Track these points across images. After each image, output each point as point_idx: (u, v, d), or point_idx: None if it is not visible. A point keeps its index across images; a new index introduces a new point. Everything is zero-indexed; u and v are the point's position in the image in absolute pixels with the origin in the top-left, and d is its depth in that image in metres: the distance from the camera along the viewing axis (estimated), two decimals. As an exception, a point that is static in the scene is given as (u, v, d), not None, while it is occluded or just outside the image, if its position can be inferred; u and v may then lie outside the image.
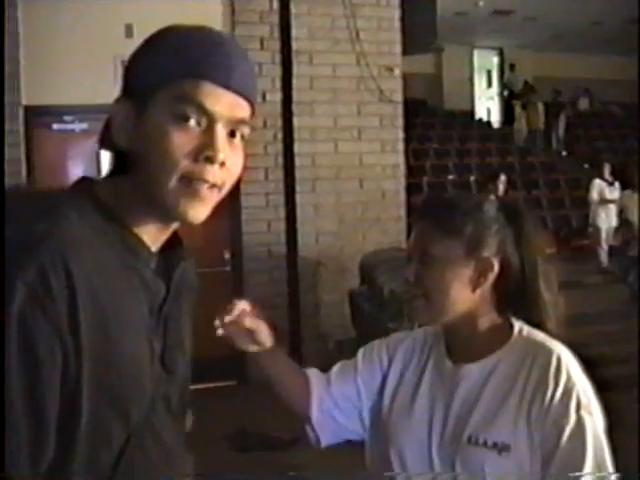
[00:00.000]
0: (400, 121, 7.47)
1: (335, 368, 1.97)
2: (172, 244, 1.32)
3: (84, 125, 6.80)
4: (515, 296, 1.77)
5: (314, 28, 7.11)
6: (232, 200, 6.91)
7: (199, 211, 1.21)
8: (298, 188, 7.13)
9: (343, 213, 7.29)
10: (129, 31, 6.54)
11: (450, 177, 14.64)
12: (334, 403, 1.91)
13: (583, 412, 1.62)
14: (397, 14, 7.39)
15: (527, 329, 1.75)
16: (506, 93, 19.39)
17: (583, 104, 20.45)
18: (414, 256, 1.74)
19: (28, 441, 1.07)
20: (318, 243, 7.23)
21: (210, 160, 1.18)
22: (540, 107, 17.58)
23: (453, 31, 15.27)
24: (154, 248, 1.27)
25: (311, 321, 7.11)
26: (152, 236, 1.26)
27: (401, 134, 7.51)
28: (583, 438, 1.60)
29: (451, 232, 1.71)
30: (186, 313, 1.38)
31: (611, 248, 11.62)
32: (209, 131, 1.19)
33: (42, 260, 1.07)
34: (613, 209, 11.60)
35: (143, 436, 1.22)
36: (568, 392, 1.63)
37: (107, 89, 6.50)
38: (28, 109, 6.48)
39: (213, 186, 1.20)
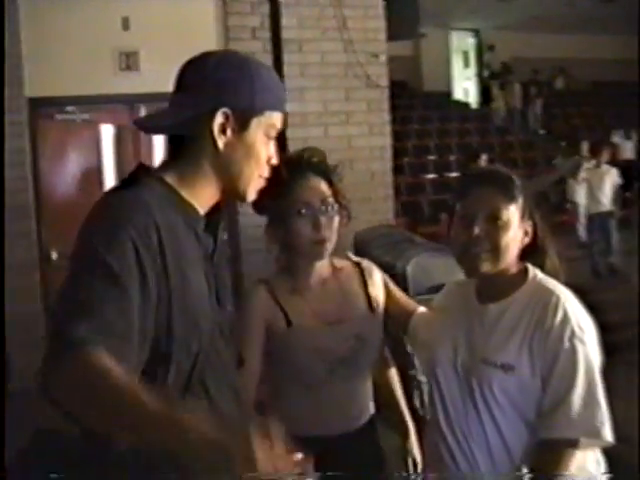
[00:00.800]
0: (386, 105, 7.74)
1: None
2: (214, 210, 1.79)
3: (85, 115, 7.03)
4: (531, 251, 2.19)
5: (303, 17, 7.35)
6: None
7: (254, 192, 1.81)
8: (291, 171, 7.38)
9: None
10: (125, 24, 6.79)
11: (430, 157, 14.95)
12: None
13: (576, 341, 2.00)
14: (381, 2, 7.64)
15: (540, 276, 2.17)
16: (486, 74, 19.61)
17: (559, 83, 20.80)
18: (478, 218, 2.10)
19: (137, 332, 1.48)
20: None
21: (272, 164, 1.80)
22: (517, 87, 17.88)
23: (431, 14, 15.47)
24: (202, 212, 1.74)
25: (306, 297, 7.34)
26: (204, 205, 1.75)
27: (387, 117, 7.78)
28: (575, 360, 1.98)
29: (512, 200, 2.12)
30: (227, 261, 1.87)
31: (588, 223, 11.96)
32: (272, 144, 1.79)
33: (140, 221, 1.54)
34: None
35: (209, 352, 1.65)
36: (563, 325, 2.01)
37: (105, 80, 6.81)
38: (31, 101, 6.69)
39: (261, 177, 1.80)
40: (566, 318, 2.02)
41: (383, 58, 7.65)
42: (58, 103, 6.89)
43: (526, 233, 2.16)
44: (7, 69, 6.22)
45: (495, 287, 2.16)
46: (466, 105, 19.77)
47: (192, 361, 1.61)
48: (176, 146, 1.74)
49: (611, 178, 10.58)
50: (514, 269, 2.17)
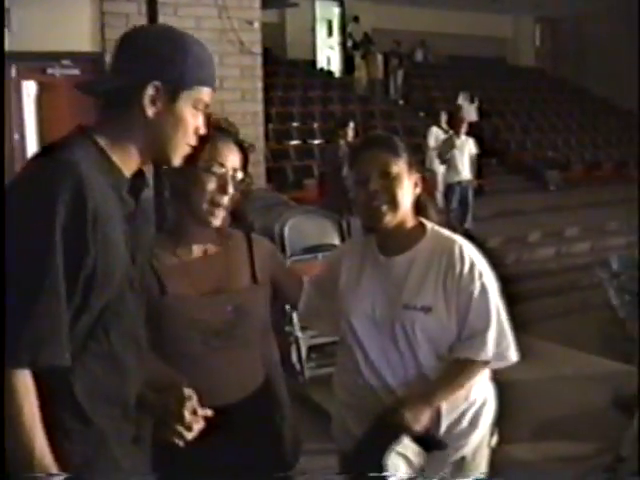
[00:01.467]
0: (259, 71, 7.93)
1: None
2: (139, 173, 1.90)
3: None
4: (419, 204, 2.48)
5: (179, -19, 7.43)
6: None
7: (180, 159, 1.92)
8: (164, 135, 7.46)
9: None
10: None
11: (294, 124, 15.14)
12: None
13: (484, 279, 2.37)
14: (255, -31, 7.81)
15: (436, 228, 2.47)
16: (350, 44, 19.86)
17: (419, 56, 21.40)
18: (372, 175, 2.35)
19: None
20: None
21: (199, 134, 1.91)
22: (379, 58, 18.24)
23: (297, -18, 15.60)
24: (128, 175, 1.85)
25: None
26: (130, 168, 1.85)
27: (260, 84, 7.98)
28: (487, 296, 2.35)
29: (398, 155, 2.39)
30: (147, 222, 2.02)
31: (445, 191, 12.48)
32: (200, 116, 1.89)
33: (68, 185, 1.64)
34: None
35: (117, 304, 1.78)
36: (471, 267, 2.36)
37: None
38: None
39: (189, 146, 1.94)
40: (472, 261, 2.36)
41: (257, 25, 7.83)
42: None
43: (416, 185, 2.43)
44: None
45: (397, 240, 2.42)
46: (329, 74, 19.99)
47: (99, 311, 1.73)
48: (110, 109, 1.83)
49: (469, 148, 11.10)
50: (411, 223, 2.43)
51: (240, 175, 2.32)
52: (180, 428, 1.91)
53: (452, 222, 10.85)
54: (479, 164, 11.49)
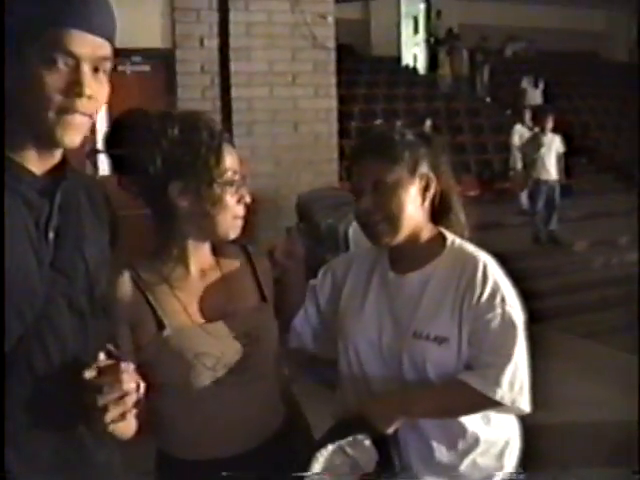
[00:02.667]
0: (332, 67, 7.70)
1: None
2: (58, 169, 1.54)
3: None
4: (440, 209, 2.13)
5: (250, -25, 7.26)
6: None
7: (74, 137, 1.47)
8: (235, 131, 7.30)
9: (278, 155, 7.51)
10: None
11: (378, 122, 14.91)
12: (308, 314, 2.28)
13: (508, 308, 1.99)
14: (329, -38, 7.59)
15: (458, 241, 2.11)
16: (432, 40, 19.58)
17: (508, 51, 20.88)
18: (365, 188, 2.02)
19: None
20: (255, 184, 7.37)
21: (79, 95, 1.43)
22: (464, 54, 17.89)
23: (381, -23, 15.43)
24: (39, 172, 1.50)
25: (249, 259, 7.31)
26: (36, 162, 1.50)
27: (334, 79, 7.74)
28: (507, 328, 1.97)
29: (394, 160, 2.03)
30: (92, 226, 1.63)
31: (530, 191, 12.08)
32: (76, 70, 1.43)
33: None
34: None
35: (42, 329, 1.48)
36: (493, 291, 1.98)
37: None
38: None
39: (83, 115, 1.47)
40: (496, 284, 2.01)
41: (330, 19, 7.60)
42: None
43: (426, 188, 2.07)
44: None
45: (411, 255, 2.09)
46: (414, 71, 19.73)
47: (12, 344, 1.44)
48: None
49: (556, 146, 10.66)
50: (427, 234, 2.10)
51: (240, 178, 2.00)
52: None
53: (537, 224, 10.46)
54: (567, 163, 10.99)
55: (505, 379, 1.94)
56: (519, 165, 11.67)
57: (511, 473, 2.12)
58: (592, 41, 21.96)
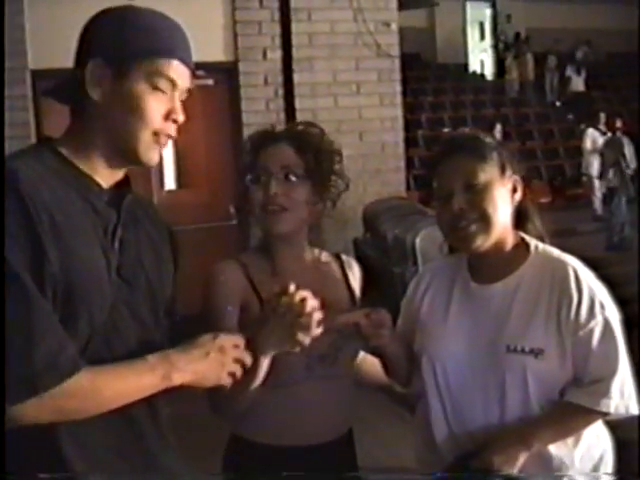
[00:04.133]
0: (397, 75, 7.61)
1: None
2: (122, 184, 1.65)
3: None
4: (518, 216, 2.03)
5: (312, -15, 7.22)
6: (236, 157, 7.09)
7: (156, 157, 1.61)
8: (300, 143, 7.30)
9: (344, 166, 7.45)
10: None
11: (445, 130, 14.78)
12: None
13: (607, 313, 1.90)
14: (393, -31, 7.51)
15: (542, 246, 2.02)
16: (501, 45, 19.36)
17: (579, 54, 20.48)
18: (456, 188, 1.94)
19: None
20: (321, 196, 7.38)
21: (175, 121, 1.60)
22: (530, 58, 17.63)
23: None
24: (106, 185, 1.60)
25: (317, 272, 7.25)
26: (105, 176, 1.60)
27: (399, 88, 7.65)
28: (611, 334, 1.90)
29: (485, 159, 1.96)
30: (149, 240, 1.70)
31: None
32: (173, 98, 1.59)
33: (10, 195, 1.40)
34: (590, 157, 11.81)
35: (108, 334, 1.53)
36: (591, 298, 1.90)
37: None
38: (35, 73, 6.59)
39: (169, 138, 1.61)
40: (592, 290, 1.92)
41: (394, 27, 7.53)
42: (61, 75, 6.79)
43: (514, 190, 2.00)
44: (9, 41, 6.11)
45: (493, 264, 2.00)
46: (481, 77, 19.55)
47: (82, 344, 1.48)
48: (72, 113, 1.62)
49: (628, 149, 10.40)
50: (511, 240, 2.01)
51: (297, 177, 2.06)
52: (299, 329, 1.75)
53: (612, 229, 10.19)
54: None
55: (615, 389, 1.89)
56: (591, 170, 11.45)
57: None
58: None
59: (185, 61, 1.61)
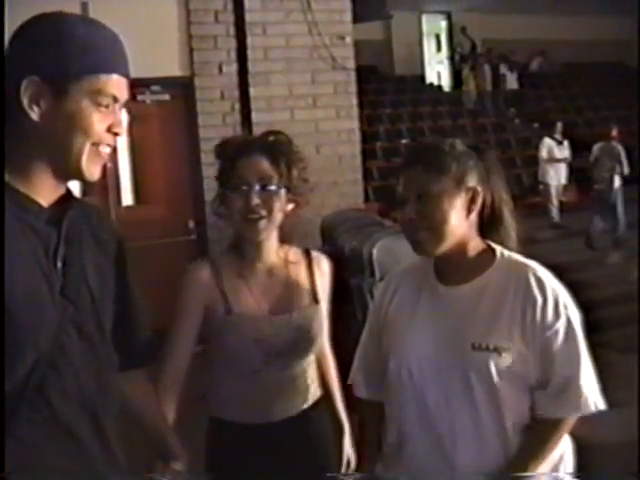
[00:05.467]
0: (353, 87, 7.67)
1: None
2: (64, 199, 1.61)
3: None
4: (489, 222, 2.10)
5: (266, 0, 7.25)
6: (193, 171, 7.09)
7: (98, 170, 1.59)
8: (257, 156, 7.31)
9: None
10: (85, 9, 6.65)
11: (404, 141, 14.86)
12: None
13: (570, 313, 2.00)
14: (346, -17, 7.57)
15: (507, 253, 2.09)
16: (457, 57, 19.51)
17: (534, 65, 20.74)
18: (409, 198, 2.00)
19: None
20: (279, 208, 7.40)
21: (117, 134, 1.59)
22: (487, 69, 17.81)
23: (400, -3, 15.40)
24: (46, 203, 1.57)
25: (275, 284, 7.24)
26: (44, 194, 1.57)
27: (355, 100, 7.71)
28: (574, 333, 1.99)
29: (441, 171, 2.00)
30: (92, 256, 1.67)
31: (561, 204, 12.04)
32: (115, 112, 1.58)
33: None
34: (562, 167, 12.00)
35: (54, 355, 1.50)
36: (555, 299, 1.98)
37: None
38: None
39: (110, 147, 1.60)
40: (555, 292, 2.00)
41: (349, 40, 7.59)
42: None
43: (472, 200, 2.04)
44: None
45: (459, 268, 2.06)
46: (439, 88, 19.67)
47: (28, 368, 1.46)
48: (8, 133, 1.54)
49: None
50: (474, 246, 2.07)
51: (274, 187, 2.30)
52: None
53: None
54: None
55: (586, 387, 1.99)
56: (547, 178, 11.64)
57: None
58: (618, 50, 21.76)
59: (125, 74, 1.60)
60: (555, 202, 11.89)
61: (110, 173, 7.15)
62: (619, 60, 21.84)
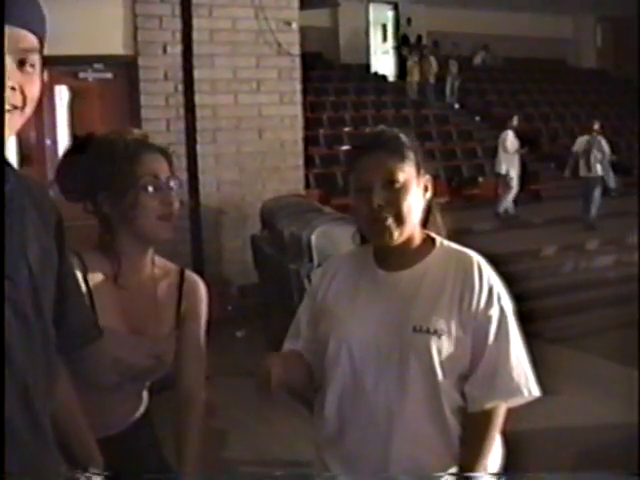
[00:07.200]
0: (298, 73, 7.68)
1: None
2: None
3: None
4: (427, 214, 2.14)
5: (213, -18, 7.22)
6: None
7: (7, 127, 1.44)
8: (199, 139, 7.28)
9: (243, 163, 7.48)
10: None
11: (346, 129, 14.91)
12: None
13: (503, 303, 2.05)
14: (294, -31, 7.57)
15: (446, 242, 2.13)
16: (404, 49, 19.58)
17: (478, 59, 20.98)
18: (375, 185, 2.00)
19: None
20: (219, 192, 7.43)
21: (25, 94, 1.41)
22: (432, 61, 17.96)
23: (348, -15, 15.42)
24: None
25: (214, 268, 7.28)
26: None
27: (299, 86, 7.72)
28: (507, 321, 2.05)
29: (404, 159, 2.02)
30: (34, 228, 1.58)
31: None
32: (21, 67, 1.40)
33: None
34: (516, 157, 12.28)
35: None
36: (491, 289, 2.04)
37: None
38: None
39: (15, 108, 1.43)
40: (491, 282, 2.06)
41: (295, 26, 7.59)
42: None
43: (426, 188, 2.09)
44: None
45: (400, 255, 2.08)
46: (383, 78, 19.75)
47: None
48: None
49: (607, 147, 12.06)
50: (418, 235, 2.10)
51: (173, 183, 2.17)
52: None
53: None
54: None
55: (516, 373, 2.03)
56: (502, 168, 12.09)
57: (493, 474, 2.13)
58: (559, 48, 22.11)
59: (10, 21, 1.41)
60: (510, 192, 12.25)
61: (49, 149, 7.07)
62: (561, 58, 22.24)
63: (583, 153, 12.02)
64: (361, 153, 2.08)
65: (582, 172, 12.01)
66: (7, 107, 1.42)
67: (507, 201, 12.33)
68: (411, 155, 2.04)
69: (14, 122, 1.45)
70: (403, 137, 2.08)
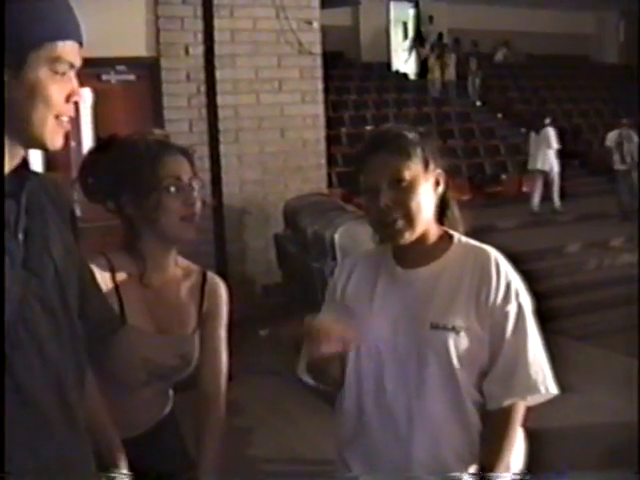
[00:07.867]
0: (319, 72, 7.68)
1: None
2: (20, 168, 1.57)
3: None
4: (439, 207, 2.13)
5: (234, -18, 7.23)
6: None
7: (60, 139, 1.55)
8: (222, 139, 7.30)
9: (266, 162, 7.50)
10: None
11: (368, 128, 14.89)
12: None
13: (521, 299, 2.05)
14: (315, -32, 7.57)
15: (464, 238, 2.13)
16: (427, 46, 19.52)
17: (499, 56, 20.89)
18: (382, 185, 1.99)
19: None
20: (242, 192, 7.45)
21: (76, 102, 1.54)
22: (453, 59, 17.91)
23: (369, -17, 15.40)
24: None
25: (238, 267, 7.29)
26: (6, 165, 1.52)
27: (320, 85, 7.73)
28: (524, 318, 2.04)
29: (409, 157, 2.02)
30: (55, 225, 1.63)
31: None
32: (71, 79, 1.53)
33: None
34: (553, 153, 12.36)
35: (17, 331, 1.47)
36: (508, 285, 2.03)
37: None
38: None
39: (69, 118, 1.55)
40: (509, 278, 2.05)
41: (316, 25, 7.60)
42: None
43: (437, 183, 2.09)
44: None
45: (418, 252, 2.09)
46: (405, 76, 19.71)
47: None
48: None
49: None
50: (434, 231, 2.10)
51: (195, 184, 2.20)
52: None
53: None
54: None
55: (533, 371, 2.02)
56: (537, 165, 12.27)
57: (515, 474, 2.13)
58: (582, 44, 21.98)
59: (79, 41, 1.56)
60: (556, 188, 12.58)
61: (74, 151, 7.12)
62: (584, 54, 22.09)
63: (617, 147, 12.55)
64: (367, 153, 2.08)
65: (616, 165, 12.52)
66: (58, 119, 1.52)
67: (554, 197, 12.60)
68: (417, 152, 2.04)
69: (65, 129, 1.55)
70: (408, 134, 2.07)
